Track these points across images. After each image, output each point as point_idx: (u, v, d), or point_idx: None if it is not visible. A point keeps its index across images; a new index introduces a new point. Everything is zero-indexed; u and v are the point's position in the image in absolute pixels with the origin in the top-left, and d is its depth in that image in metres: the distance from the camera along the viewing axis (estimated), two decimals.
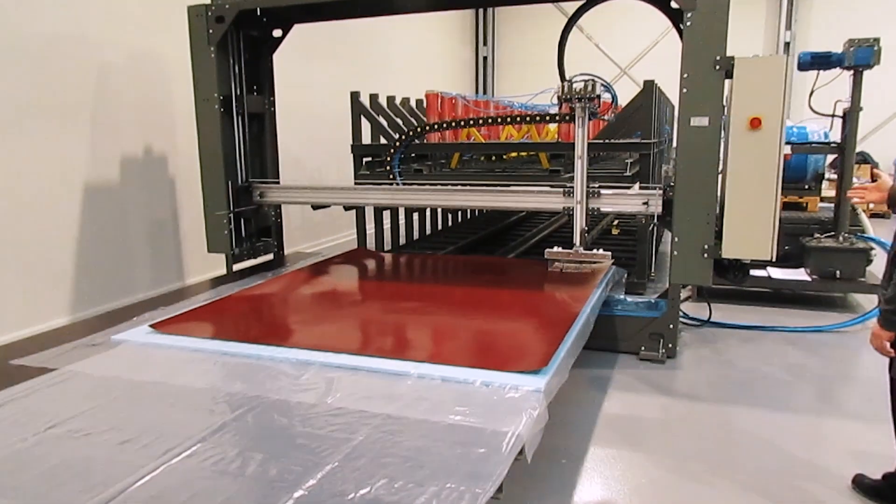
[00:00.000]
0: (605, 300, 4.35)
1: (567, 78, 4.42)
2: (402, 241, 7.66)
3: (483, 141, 6.67)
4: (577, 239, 4.50)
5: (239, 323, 3.86)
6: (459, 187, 5.07)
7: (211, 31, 5.18)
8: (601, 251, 4.49)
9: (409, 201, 5.39)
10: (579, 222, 4.47)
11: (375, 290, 4.90)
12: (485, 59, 15.71)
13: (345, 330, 3.70)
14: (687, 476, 3.02)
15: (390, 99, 7.29)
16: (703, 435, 3.40)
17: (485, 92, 15.52)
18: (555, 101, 4.48)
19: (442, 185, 6.01)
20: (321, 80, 8.95)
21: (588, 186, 4.46)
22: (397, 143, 5.59)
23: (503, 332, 3.55)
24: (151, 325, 3.69)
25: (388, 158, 5.60)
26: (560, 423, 3.35)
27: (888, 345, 2.38)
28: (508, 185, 6.68)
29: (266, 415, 2.56)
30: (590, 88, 4.29)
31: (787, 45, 13.27)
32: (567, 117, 4.78)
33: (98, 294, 5.64)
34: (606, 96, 4.57)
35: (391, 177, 5.56)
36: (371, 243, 6.78)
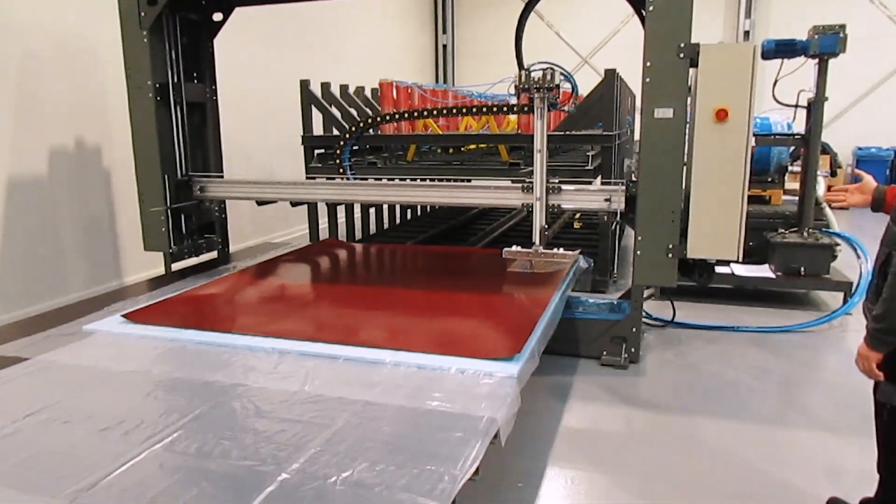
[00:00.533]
0: (566, 302, 4.12)
1: (525, 66, 4.14)
2: (358, 235, 7.36)
3: (440, 132, 6.39)
4: (536, 238, 4.24)
5: (213, 313, 3.84)
6: (413, 183, 4.79)
7: (143, 14, 4.77)
8: (562, 250, 4.25)
9: (361, 197, 5.08)
10: (539, 220, 4.22)
11: (348, 280, 4.91)
12: (444, 46, 15.38)
13: (320, 319, 3.68)
14: (653, 499, 2.80)
15: (343, 88, 6.96)
16: (669, 451, 3.19)
17: (445, 81, 15.21)
18: (512, 91, 4.20)
19: (395, 180, 5.74)
20: (273, 67, 8.57)
21: (548, 182, 4.21)
22: (347, 136, 5.27)
23: (476, 320, 3.56)
24: (124, 315, 3.65)
25: (338, 151, 5.28)
26: (517, 438, 3.11)
27: (876, 367, 2.15)
28: (466, 179, 6.48)
29: (246, 402, 2.58)
30: (549, 78, 4.02)
31: (746, 33, 13.25)
32: (525, 108, 4.52)
33: (23, 296, 5.23)
34: (566, 86, 4.32)
35: (341, 171, 5.25)
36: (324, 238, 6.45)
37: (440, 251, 5.75)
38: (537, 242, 4.24)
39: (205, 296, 4.18)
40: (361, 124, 5.30)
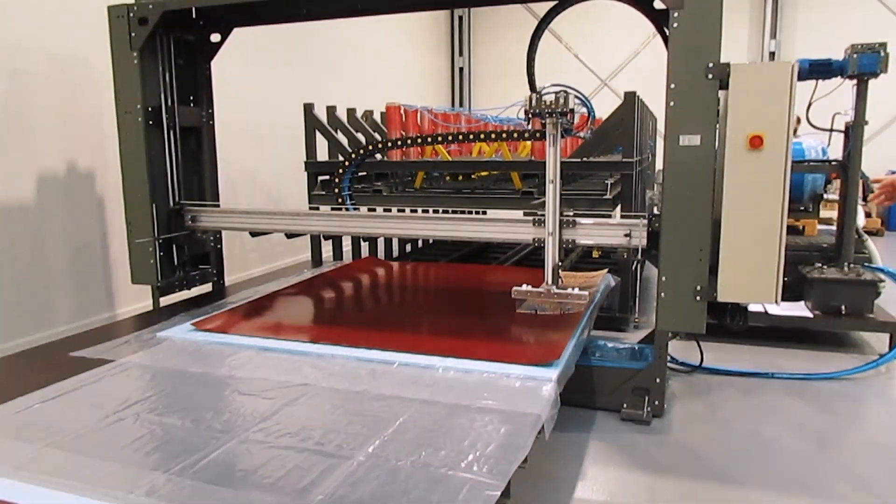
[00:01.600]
0: (582, 346, 3.73)
1: (538, 89, 3.78)
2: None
3: (449, 158, 6.04)
4: (548, 276, 3.84)
5: (272, 322, 4.18)
6: (415, 215, 4.44)
7: (133, 34, 4.51)
8: (577, 290, 3.84)
9: (361, 229, 4.73)
10: (551, 257, 3.82)
11: (394, 293, 5.34)
12: (461, 69, 15.12)
13: (373, 328, 4.00)
14: None
15: (350, 112, 6.67)
16: None
17: (461, 104, 14.94)
18: (522, 115, 3.83)
19: (402, 209, 5.43)
20: (281, 90, 8.32)
21: (562, 214, 3.83)
22: (346, 163, 4.94)
23: (517, 330, 3.84)
24: (193, 324, 4.01)
25: (337, 180, 4.95)
26: None
27: None
28: (475, 209, 6.12)
29: (317, 400, 2.89)
30: (562, 101, 3.64)
31: (771, 54, 12.85)
32: (537, 134, 4.15)
33: (4, 328, 4.94)
34: (582, 110, 3.94)
35: (340, 201, 4.91)
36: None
37: (472, 268, 6.21)
38: (549, 282, 3.84)
39: (263, 307, 4.52)
40: (361, 151, 4.96)
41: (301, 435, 2.50)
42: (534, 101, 3.68)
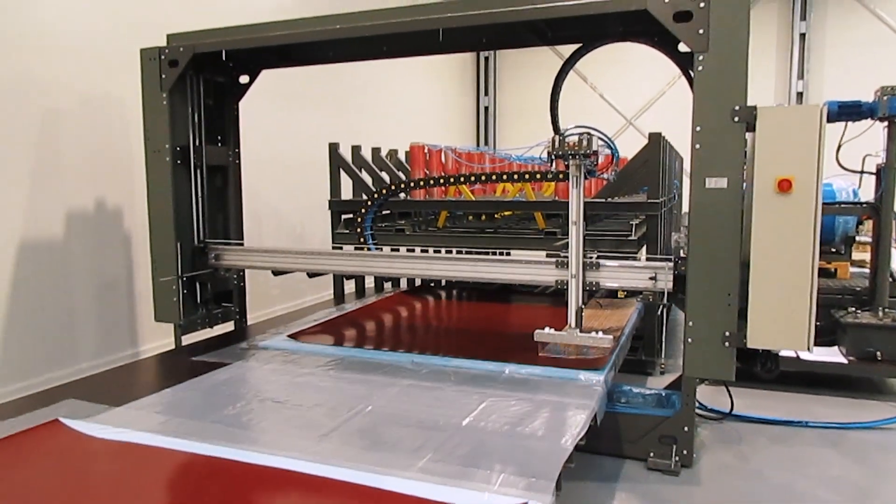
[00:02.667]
0: (608, 394, 3.67)
1: (561, 130, 3.76)
2: None
3: (472, 198, 6.04)
4: (571, 320, 3.78)
5: (350, 335, 4.99)
6: (436, 255, 4.42)
7: (164, 75, 4.61)
8: (601, 334, 3.76)
9: (383, 270, 4.73)
10: (575, 299, 3.76)
11: (452, 315, 6.06)
12: (486, 108, 15.24)
13: (443, 340, 4.91)
14: None
15: (375, 151, 6.72)
16: None
17: (486, 143, 15.02)
18: (545, 156, 3.81)
19: (426, 249, 5.43)
20: (309, 129, 8.42)
21: (585, 256, 3.77)
22: (368, 203, 4.95)
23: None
24: (289, 335, 4.66)
25: (359, 220, 4.96)
26: None
27: None
28: (499, 249, 6.09)
29: (408, 392, 3.51)
30: (585, 143, 3.62)
31: (799, 94, 12.75)
32: (561, 175, 4.13)
33: (27, 364, 4.97)
34: (606, 151, 3.92)
35: (362, 240, 4.91)
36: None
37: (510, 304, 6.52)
38: (573, 325, 3.77)
39: (340, 324, 5.19)
40: (383, 191, 4.97)
41: (406, 412, 3.18)
42: (557, 143, 3.66)
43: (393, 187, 5.03)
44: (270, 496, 2.58)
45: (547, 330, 3.83)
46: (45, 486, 2.61)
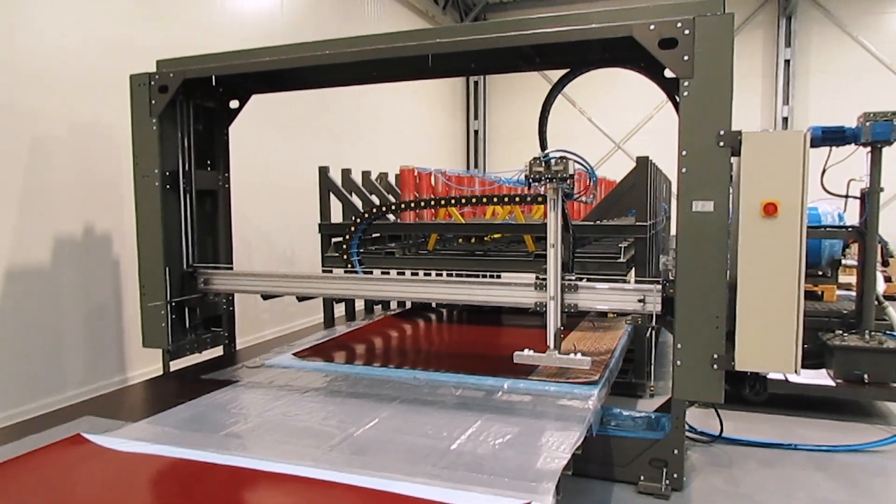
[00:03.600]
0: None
1: (541, 154, 3.81)
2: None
3: (462, 220, 6.06)
4: (550, 341, 3.79)
5: (354, 352, 5.11)
6: (417, 278, 4.47)
7: (154, 101, 4.62)
8: (579, 355, 3.78)
9: (372, 293, 4.74)
10: (553, 321, 3.78)
11: (447, 336, 6.16)
12: (476, 132, 15.36)
13: (444, 357, 5.08)
14: None
15: (365, 174, 6.75)
16: None
17: (476, 166, 15.11)
18: (523, 179, 3.87)
19: (417, 272, 5.44)
20: (299, 153, 8.46)
21: (564, 279, 3.81)
22: (353, 227, 4.97)
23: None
24: (294, 354, 4.75)
25: (345, 245, 4.97)
26: None
27: None
28: (488, 271, 6.10)
29: (414, 405, 3.67)
30: (562, 167, 3.67)
31: (784, 119, 12.93)
32: (539, 198, 4.17)
33: (12, 393, 4.91)
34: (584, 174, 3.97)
35: (348, 264, 4.92)
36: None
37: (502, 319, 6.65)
38: (552, 346, 3.79)
39: (343, 343, 5.31)
40: (367, 215, 4.99)
41: (413, 423, 3.32)
42: (533, 167, 3.71)
43: (376, 210, 5.05)
44: (286, 500, 2.78)
45: (527, 352, 3.84)
46: (72, 495, 2.77)
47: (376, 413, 3.50)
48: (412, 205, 4.97)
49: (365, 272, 5.14)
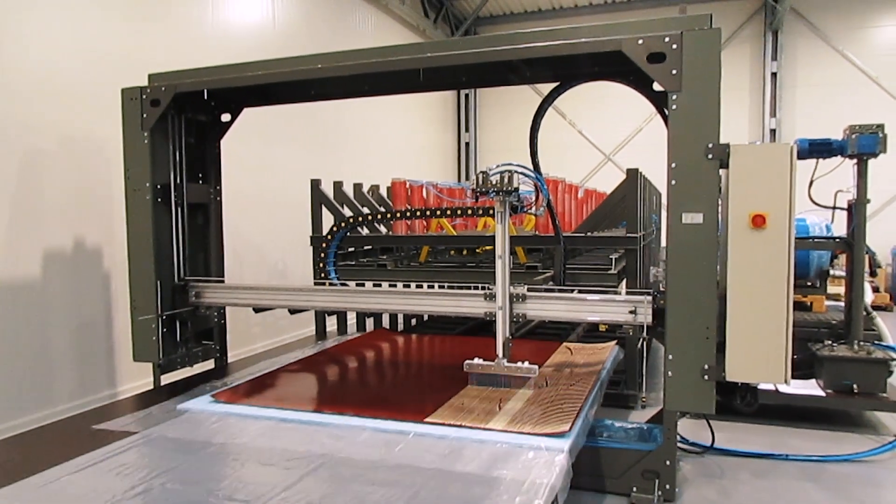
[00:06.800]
0: (589, 426, 3.65)
1: (486, 168, 3.94)
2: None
3: (454, 232, 6.09)
4: (499, 350, 3.86)
5: (290, 393, 4.27)
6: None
7: (145, 115, 4.63)
8: (527, 364, 3.86)
9: (362, 305, 4.74)
10: (502, 330, 3.86)
11: (405, 365, 5.28)
12: (467, 144, 15.43)
13: (388, 399, 4.01)
14: None
15: (357, 187, 6.76)
16: None
17: (467, 178, 15.17)
18: (470, 193, 3.98)
19: (409, 284, 5.44)
20: (291, 166, 8.47)
21: (512, 291, 3.92)
22: (329, 237, 4.98)
23: (530, 402, 3.72)
24: (213, 396, 4.04)
25: (322, 255, 4.99)
26: None
27: None
28: (480, 283, 6.11)
29: (336, 469, 2.96)
30: (506, 180, 3.76)
31: (772, 132, 13.06)
32: (490, 211, 4.22)
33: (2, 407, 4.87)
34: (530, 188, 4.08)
35: (323, 275, 4.94)
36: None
37: (479, 342, 5.74)
38: (500, 355, 3.85)
39: (279, 379, 4.57)
40: (343, 225, 5.01)
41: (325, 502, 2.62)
42: (480, 181, 3.81)
43: (351, 221, 5.08)
44: None
45: (476, 360, 3.96)
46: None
47: (282, 483, 2.79)
48: (387, 216, 5.08)
49: (340, 282, 5.16)
